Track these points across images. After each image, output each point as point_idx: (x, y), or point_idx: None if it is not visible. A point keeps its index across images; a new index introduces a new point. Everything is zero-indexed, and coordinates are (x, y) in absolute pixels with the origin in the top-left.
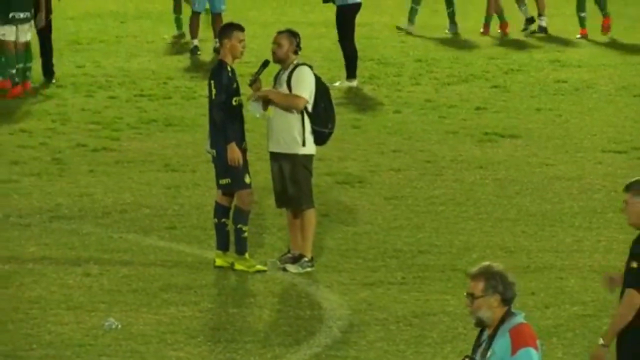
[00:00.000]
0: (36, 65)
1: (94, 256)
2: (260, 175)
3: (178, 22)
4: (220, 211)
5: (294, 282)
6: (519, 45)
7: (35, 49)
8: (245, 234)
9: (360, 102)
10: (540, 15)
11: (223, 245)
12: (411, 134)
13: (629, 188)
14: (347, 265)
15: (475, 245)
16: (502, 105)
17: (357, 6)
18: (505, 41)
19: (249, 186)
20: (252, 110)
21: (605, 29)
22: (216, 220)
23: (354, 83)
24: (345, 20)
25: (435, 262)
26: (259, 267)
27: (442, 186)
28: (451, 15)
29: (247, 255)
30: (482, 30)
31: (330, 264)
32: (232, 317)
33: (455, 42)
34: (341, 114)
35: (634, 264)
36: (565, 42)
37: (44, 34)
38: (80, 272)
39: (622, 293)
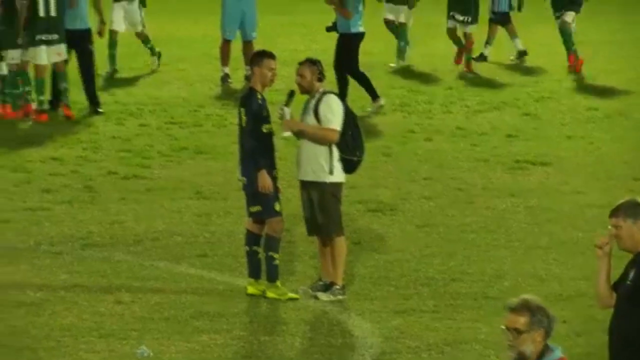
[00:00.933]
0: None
1: (126, 284)
2: (291, 202)
3: (112, 59)
4: (251, 239)
5: (325, 309)
6: (549, 73)
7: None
8: (277, 262)
9: (391, 129)
10: (487, 43)
11: (255, 273)
12: (442, 161)
13: (617, 211)
14: (378, 293)
15: (506, 273)
16: (533, 133)
17: (361, 35)
18: (536, 69)
19: (279, 214)
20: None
21: (573, 67)
22: (247, 248)
23: (382, 102)
24: (349, 48)
25: (467, 290)
26: (291, 294)
27: (473, 214)
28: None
29: (278, 283)
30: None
31: (362, 291)
32: (263, 345)
33: (486, 70)
34: (372, 142)
35: None
36: (596, 70)
37: (85, 62)
38: (111, 299)
39: (620, 306)
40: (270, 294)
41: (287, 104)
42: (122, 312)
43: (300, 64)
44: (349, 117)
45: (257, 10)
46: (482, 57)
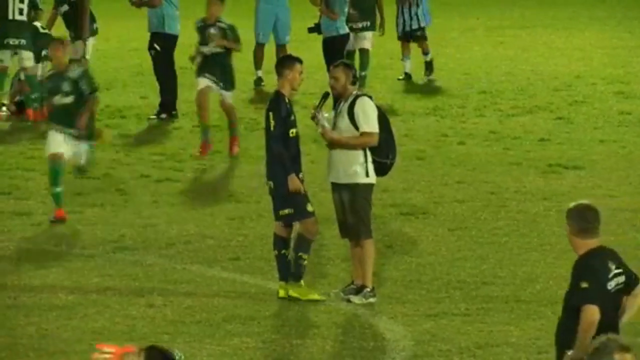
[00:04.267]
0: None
1: (158, 287)
2: (323, 206)
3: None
4: (280, 243)
5: (357, 313)
6: (583, 77)
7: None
8: (305, 262)
9: (424, 133)
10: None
11: (286, 276)
12: (475, 165)
13: (566, 213)
14: (410, 296)
15: (538, 276)
16: (566, 137)
17: (347, 37)
18: (569, 73)
19: (312, 214)
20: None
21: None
22: (276, 252)
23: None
24: (334, 52)
25: (499, 293)
26: (312, 296)
27: (505, 217)
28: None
29: (302, 282)
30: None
31: (394, 295)
32: (295, 348)
33: (519, 74)
34: (405, 145)
35: (584, 284)
36: (630, 74)
37: (164, 67)
38: (143, 303)
39: (564, 317)
40: (292, 293)
41: (320, 106)
42: (153, 315)
43: (335, 66)
44: (382, 120)
45: (291, 14)
46: (407, 76)
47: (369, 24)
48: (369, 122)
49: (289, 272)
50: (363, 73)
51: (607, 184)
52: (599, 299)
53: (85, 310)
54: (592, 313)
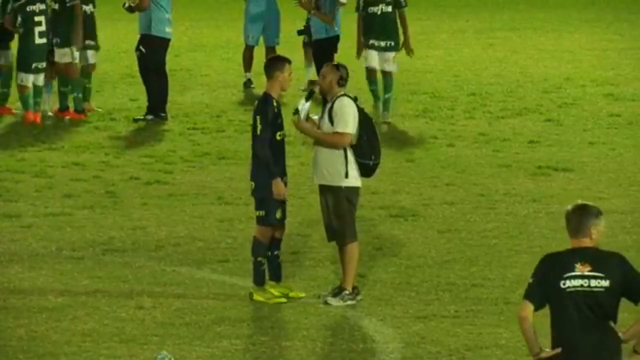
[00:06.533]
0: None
1: (147, 289)
2: (313, 208)
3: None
4: (272, 245)
5: (346, 315)
6: (572, 79)
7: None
8: (264, 267)
9: (413, 135)
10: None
11: (276, 276)
12: (465, 167)
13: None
14: (400, 298)
15: (528, 278)
16: (555, 139)
17: (336, 39)
18: (559, 75)
19: (277, 222)
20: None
21: None
22: (269, 253)
23: None
24: (325, 54)
25: (488, 296)
26: (278, 299)
27: (495, 220)
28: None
29: (266, 286)
30: None
31: (383, 297)
32: (285, 350)
33: (509, 76)
34: (395, 148)
35: (530, 280)
36: (619, 76)
37: (149, 69)
38: (133, 305)
39: None
40: (257, 297)
41: (305, 102)
42: (143, 317)
43: (325, 65)
44: (364, 121)
45: (281, 16)
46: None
47: (392, 43)
48: (343, 122)
49: (279, 272)
50: (387, 95)
51: (596, 186)
52: (542, 296)
53: (74, 312)
54: (522, 308)
